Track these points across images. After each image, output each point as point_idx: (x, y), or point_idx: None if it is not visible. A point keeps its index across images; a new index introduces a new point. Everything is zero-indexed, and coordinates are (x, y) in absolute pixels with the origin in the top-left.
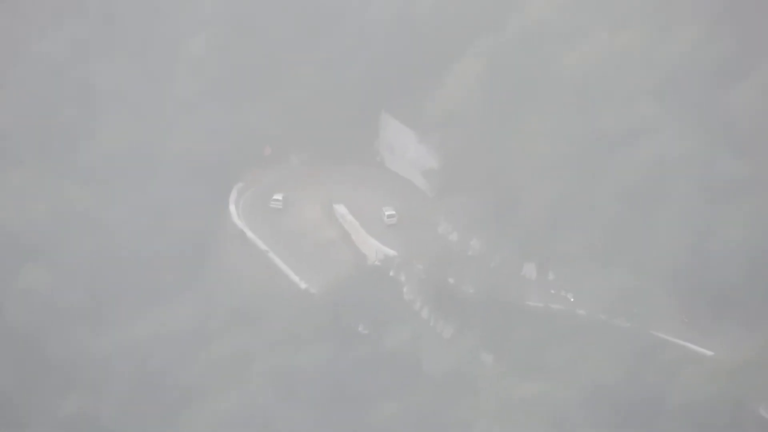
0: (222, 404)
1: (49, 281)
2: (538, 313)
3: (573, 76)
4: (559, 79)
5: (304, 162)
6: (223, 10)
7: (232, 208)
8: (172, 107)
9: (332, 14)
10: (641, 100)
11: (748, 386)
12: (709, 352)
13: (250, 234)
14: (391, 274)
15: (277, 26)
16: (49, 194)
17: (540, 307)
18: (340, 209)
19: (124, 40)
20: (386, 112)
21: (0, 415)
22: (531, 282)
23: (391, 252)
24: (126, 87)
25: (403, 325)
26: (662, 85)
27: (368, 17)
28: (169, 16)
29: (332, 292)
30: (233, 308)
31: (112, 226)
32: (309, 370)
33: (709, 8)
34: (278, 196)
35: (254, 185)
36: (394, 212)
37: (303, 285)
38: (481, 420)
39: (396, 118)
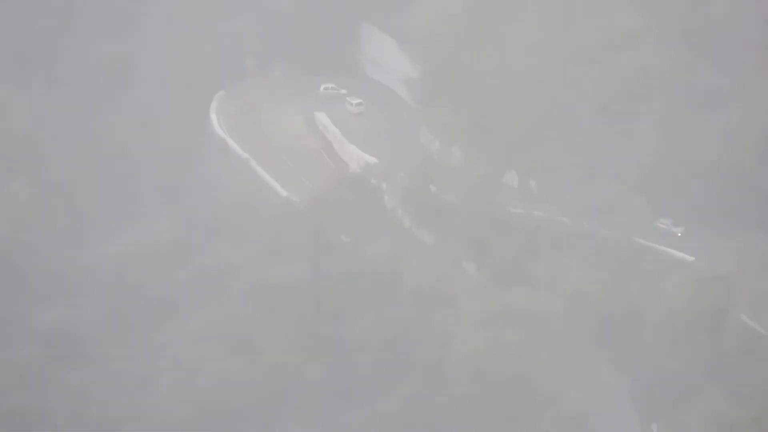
0: (203, 318)
1: (30, 194)
2: (520, 222)
3: None
4: None
5: (287, 72)
6: None
7: (213, 117)
8: (154, 19)
9: None
10: (623, 11)
11: (731, 292)
12: (690, 258)
13: (231, 143)
14: (373, 182)
15: None
16: (30, 107)
17: (522, 215)
18: (322, 118)
19: None
20: (367, 22)
21: None
22: (513, 190)
23: (373, 160)
24: None
25: (384, 234)
26: None
27: None
28: None
29: (313, 201)
30: (214, 218)
31: (92, 139)
32: (290, 282)
33: None
34: (358, 100)
35: (236, 94)
36: (360, 100)
37: (284, 193)
38: (463, 329)
39: (377, 28)
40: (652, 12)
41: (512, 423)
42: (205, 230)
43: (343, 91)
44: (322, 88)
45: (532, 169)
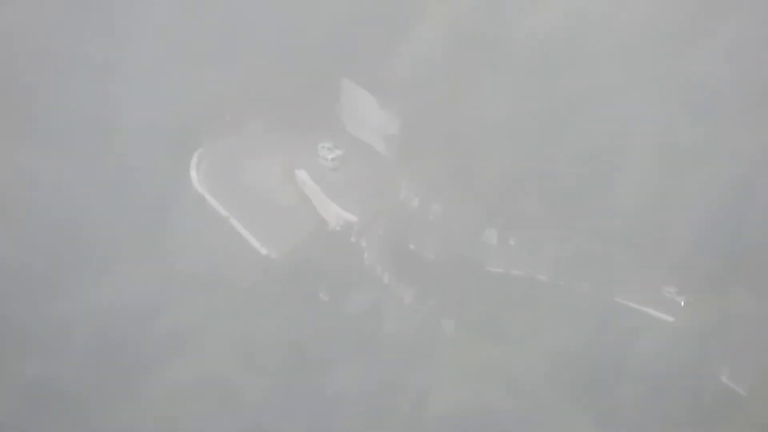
0: (181, 371)
1: (7, 246)
2: (499, 279)
3: (534, 39)
4: (520, 42)
5: (266, 127)
6: None
7: (193, 173)
8: (132, 71)
9: None
10: (602, 64)
11: (710, 353)
12: (669, 318)
13: (210, 199)
14: (352, 239)
15: None
16: (8, 159)
17: (501, 273)
18: (301, 175)
19: (84, 2)
20: (347, 78)
21: None
22: (492, 247)
23: (352, 217)
24: (86, 50)
25: (364, 291)
26: (624, 49)
27: None
28: None
29: (293, 258)
30: (193, 274)
31: (70, 192)
32: (269, 337)
33: None
34: (332, 155)
35: (215, 151)
36: (335, 156)
37: (264, 251)
38: (441, 386)
39: (357, 84)
40: (633, 66)
41: None
42: (184, 285)
43: (339, 152)
44: (319, 147)
45: (512, 224)
